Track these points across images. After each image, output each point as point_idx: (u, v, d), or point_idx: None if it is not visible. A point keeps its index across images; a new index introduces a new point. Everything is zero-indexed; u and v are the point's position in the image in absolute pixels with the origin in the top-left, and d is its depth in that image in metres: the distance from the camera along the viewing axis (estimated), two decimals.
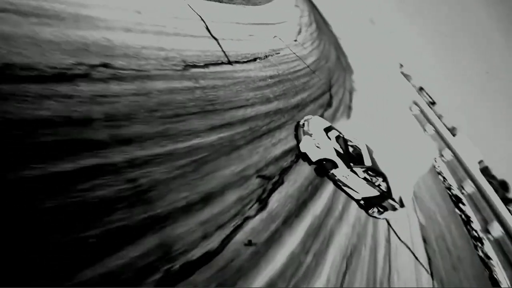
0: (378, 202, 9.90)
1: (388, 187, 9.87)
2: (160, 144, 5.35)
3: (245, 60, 10.61)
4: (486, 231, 24.73)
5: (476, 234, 23.47)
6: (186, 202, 4.97)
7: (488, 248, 23.40)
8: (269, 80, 10.87)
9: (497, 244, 24.69)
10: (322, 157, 8.78)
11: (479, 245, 22.88)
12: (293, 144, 9.19)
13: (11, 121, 3.82)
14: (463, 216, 25.14)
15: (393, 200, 9.98)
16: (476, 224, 25.23)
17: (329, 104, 14.39)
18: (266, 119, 8.87)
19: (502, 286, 19.35)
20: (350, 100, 18.50)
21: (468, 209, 26.89)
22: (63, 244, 3.43)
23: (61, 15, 5.62)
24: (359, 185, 9.42)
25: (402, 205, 10.54)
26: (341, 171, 9.04)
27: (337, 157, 8.92)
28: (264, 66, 11.45)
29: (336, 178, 9.22)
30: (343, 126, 12.42)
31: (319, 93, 14.27)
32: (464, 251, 18.41)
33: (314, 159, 8.81)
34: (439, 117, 57.17)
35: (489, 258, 22.02)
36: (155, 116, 5.64)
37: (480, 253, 21.61)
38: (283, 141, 8.86)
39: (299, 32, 20.16)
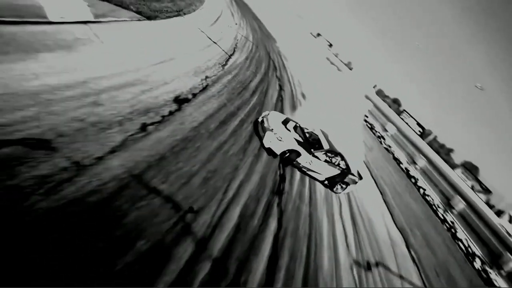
0: (341, 179, 10.50)
1: (347, 164, 10.55)
2: None
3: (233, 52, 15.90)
4: (385, 130, 35.56)
5: (379, 134, 33.56)
6: None
7: (389, 141, 33.85)
8: (247, 61, 16.56)
9: (394, 139, 35.79)
10: (285, 149, 9.11)
11: (382, 140, 33.14)
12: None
13: None
14: (367, 124, 35.34)
15: (353, 174, 10.81)
16: (378, 128, 35.83)
17: (274, 68, 20.50)
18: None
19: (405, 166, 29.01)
20: (282, 61, 24.70)
21: (370, 119, 37.60)
22: None
23: None
24: (322, 168, 9.90)
25: (361, 177, 11.56)
26: (304, 158, 9.43)
27: (299, 146, 9.29)
28: (241, 52, 17.03)
29: (301, 165, 9.66)
30: (297, 114, 14.16)
31: (266, 63, 19.38)
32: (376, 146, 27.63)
33: (278, 152, 9.08)
34: (336, 55, 71.22)
35: (390, 147, 32.19)
36: None
37: (384, 145, 31.44)
38: None
39: (233, 15, 25.49)
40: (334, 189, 10.79)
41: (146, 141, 5.86)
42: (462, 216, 27.06)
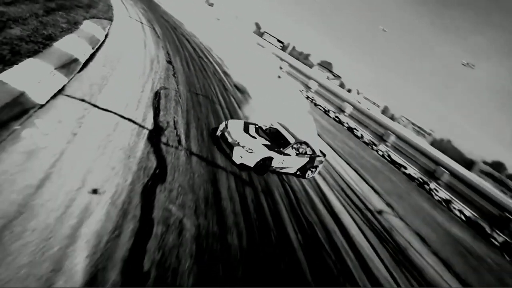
0: (311, 165, 10.51)
1: (312, 149, 10.53)
2: None
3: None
4: (309, 88, 37.54)
5: (309, 96, 35.18)
6: None
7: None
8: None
9: (316, 93, 37.59)
10: (258, 159, 8.37)
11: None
12: None
13: None
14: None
15: (318, 156, 10.87)
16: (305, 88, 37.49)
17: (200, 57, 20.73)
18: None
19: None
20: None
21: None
22: None
23: None
24: (293, 162, 9.69)
25: (324, 154, 11.67)
26: (277, 160, 8.94)
27: (269, 151, 8.69)
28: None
29: (274, 167, 9.15)
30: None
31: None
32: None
33: (252, 164, 8.35)
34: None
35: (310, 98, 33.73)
36: None
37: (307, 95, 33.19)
38: None
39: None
40: (306, 175, 10.66)
41: None
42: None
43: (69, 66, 8.01)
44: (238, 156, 8.25)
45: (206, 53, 24.50)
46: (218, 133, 9.05)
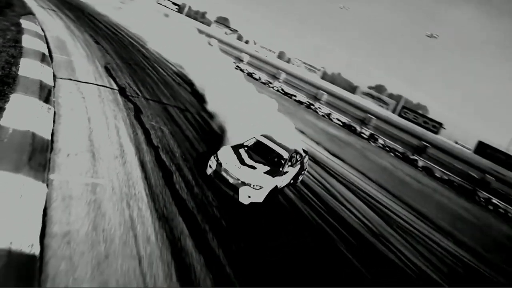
0: (301, 170, 9.95)
1: (300, 153, 9.99)
2: None
3: None
4: (241, 60, 41.75)
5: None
6: None
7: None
8: None
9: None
10: (267, 193, 7.56)
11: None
12: None
13: None
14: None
15: (305, 156, 10.48)
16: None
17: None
18: None
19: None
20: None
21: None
22: None
23: None
24: (290, 175, 9.04)
25: (307, 153, 11.20)
26: (279, 183, 8.16)
27: (273, 179, 7.78)
28: None
29: (279, 187, 8.37)
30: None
31: None
32: None
33: (262, 200, 7.51)
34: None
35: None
36: None
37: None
38: None
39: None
40: (297, 181, 10.13)
41: None
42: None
43: (44, 59, 11.54)
44: (246, 196, 7.23)
45: (120, 30, 27.21)
46: (210, 171, 7.67)
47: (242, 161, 7.83)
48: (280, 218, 7.87)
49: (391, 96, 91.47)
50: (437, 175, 25.46)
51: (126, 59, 17.14)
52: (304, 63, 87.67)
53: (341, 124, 28.92)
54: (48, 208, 4.62)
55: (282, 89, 31.90)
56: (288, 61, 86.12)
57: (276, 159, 8.71)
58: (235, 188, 7.25)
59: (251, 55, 39.56)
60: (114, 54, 17.15)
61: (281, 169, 8.42)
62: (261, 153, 8.69)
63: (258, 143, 9.03)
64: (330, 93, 34.91)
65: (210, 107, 14.27)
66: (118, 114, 9.34)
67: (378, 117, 32.38)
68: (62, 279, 3.71)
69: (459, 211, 18.65)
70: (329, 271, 6.55)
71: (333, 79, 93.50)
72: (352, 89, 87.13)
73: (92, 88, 10.64)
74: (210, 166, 7.73)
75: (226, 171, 7.42)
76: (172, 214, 5.81)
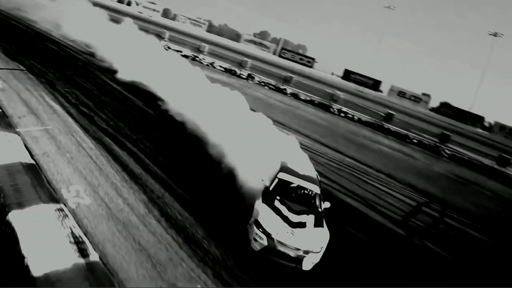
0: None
1: (316, 174, 8.62)
2: None
3: None
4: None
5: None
6: None
7: None
8: None
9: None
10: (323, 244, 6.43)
11: None
12: None
13: None
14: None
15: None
16: None
17: None
18: None
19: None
20: None
21: None
22: None
23: None
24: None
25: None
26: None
27: (325, 228, 6.73)
28: None
29: None
30: None
31: None
32: None
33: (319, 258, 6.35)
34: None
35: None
36: None
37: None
38: None
39: None
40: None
41: None
42: None
43: None
44: (310, 264, 6.25)
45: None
46: (259, 246, 6.22)
47: (289, 222, 6.49)
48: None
49: (274, 40, 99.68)
50: (302, 97, 32.63)
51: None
52: (189, 18, 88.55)
53: (223, 69, 33.46)
54: (26, 144, 8.18)
55: (168, 47, 34.59)
56: (174, 18, 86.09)
57: (309, 198, 7.48)
58: (298, 261, 6.14)
59: (134, 17, 40.30)
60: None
61: (319, 209, 7.25)
62: (294, 196, 7.38)
63: (283, 183, 7.56)
64: (212, 44, 39.00)
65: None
66: (37, 87, 12.32)
67: (258, 59, 38.08)
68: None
69: (315, 120, 25.88)
70: None
71: (220, 30, 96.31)
72: (238, 37, 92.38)
73: (5, 72, 13.02)
74: (256, 240, 6.22)
75: (281, 243, 6.11)
76: (100, 135, 9.93)
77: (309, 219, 6.72)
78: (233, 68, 34.15)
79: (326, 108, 31.51)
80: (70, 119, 10.39)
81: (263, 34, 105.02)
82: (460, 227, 12.21)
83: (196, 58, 33.74)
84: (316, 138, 18.47)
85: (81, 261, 4.95)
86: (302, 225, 6.51)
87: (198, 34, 47.18)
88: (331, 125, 26.06)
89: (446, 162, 25.87)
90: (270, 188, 7.35)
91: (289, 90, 33.30)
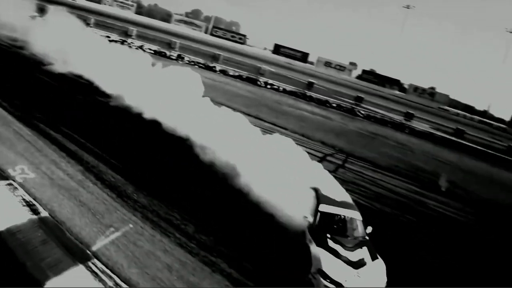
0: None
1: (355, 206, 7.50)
2: None
3: None
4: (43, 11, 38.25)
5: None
6: None
7: None
8: None
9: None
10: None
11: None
12: None
13: None
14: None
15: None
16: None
17: None
18: None
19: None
20: None
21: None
22: None
23: None
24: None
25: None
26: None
27: (380, 260, 6.21)
28: None
29: None
30: None
31: None
32: None
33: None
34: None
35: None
36: None
37: None
38: None
39: None
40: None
41: None
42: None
43: None
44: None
45: None
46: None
47: (350, 262, 5.88)
48: None
49: (207, 18, 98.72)
50: (230, 73, 34.60)
51: None
52: (115, 1, 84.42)
53: (152, 52, 33.46)
54: None
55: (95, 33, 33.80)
56: (99, 1, 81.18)
57: (354, 227, 6.84)
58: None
59: (56, 3, 38.03)
60: None
61: (366, 237, 6.67)
62: (341, 230, 6.71)
63: (326, 216, 6.82)
64: (141, 26, 38.74)
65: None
66: None
67: (188, 39, 38.64)
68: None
69: (243, 93, 27.99)
70: None
71: (150, 11, 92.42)
72: (170, 17, 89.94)
73: None
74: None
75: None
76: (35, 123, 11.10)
77: (365, 253, 6.14)
78: (162, 50, 34.66)
79: (253, 81, 33.86)
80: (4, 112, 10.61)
81: (195, 13, 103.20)
82: (357, 169, 14.37)
83: (125, 42, 33.52)
84: (240, 109, 20.29)
85: (35, 217, 6.10)
86: (361, 264, 5.90)
87: (127, 17, 45.77)
88: (257, 97, 28.10)
89: (360, 121, 29.75)
90: (317, 224, 6.61)
91: (218, 67, 34.89)
